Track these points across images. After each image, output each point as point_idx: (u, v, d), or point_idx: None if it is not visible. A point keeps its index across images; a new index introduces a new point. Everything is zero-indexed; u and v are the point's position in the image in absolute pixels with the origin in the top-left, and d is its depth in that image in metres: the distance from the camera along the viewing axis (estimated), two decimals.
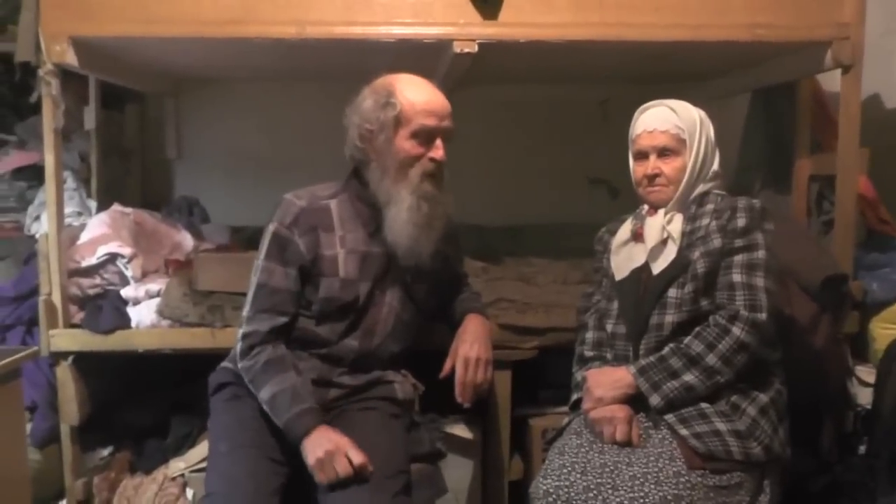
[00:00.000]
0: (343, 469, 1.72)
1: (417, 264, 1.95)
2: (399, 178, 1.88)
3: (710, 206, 1.95)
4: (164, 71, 3.05)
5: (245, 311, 1.91)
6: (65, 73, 2.34)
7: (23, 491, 2.09)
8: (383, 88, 1.90)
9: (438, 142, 1.88)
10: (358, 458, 1.73)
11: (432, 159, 1.88)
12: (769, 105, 2.98)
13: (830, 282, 2.24)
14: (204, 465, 2.21)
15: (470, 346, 1.97)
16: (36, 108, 2.46)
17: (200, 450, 2.39)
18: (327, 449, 1.74)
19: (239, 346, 1.89)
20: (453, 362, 1.97)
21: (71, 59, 2.27)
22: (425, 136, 1.87)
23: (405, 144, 1.87)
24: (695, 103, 2.00)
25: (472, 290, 2.22)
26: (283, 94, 3.33)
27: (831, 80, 2.78)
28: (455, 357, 1.98)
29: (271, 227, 1.92)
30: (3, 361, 1.91)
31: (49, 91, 2.30)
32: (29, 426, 2.41)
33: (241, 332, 1.91)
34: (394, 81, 1.91)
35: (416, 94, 1.88)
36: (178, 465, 2.40)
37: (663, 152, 1.95)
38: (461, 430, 2.37)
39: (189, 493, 2.35)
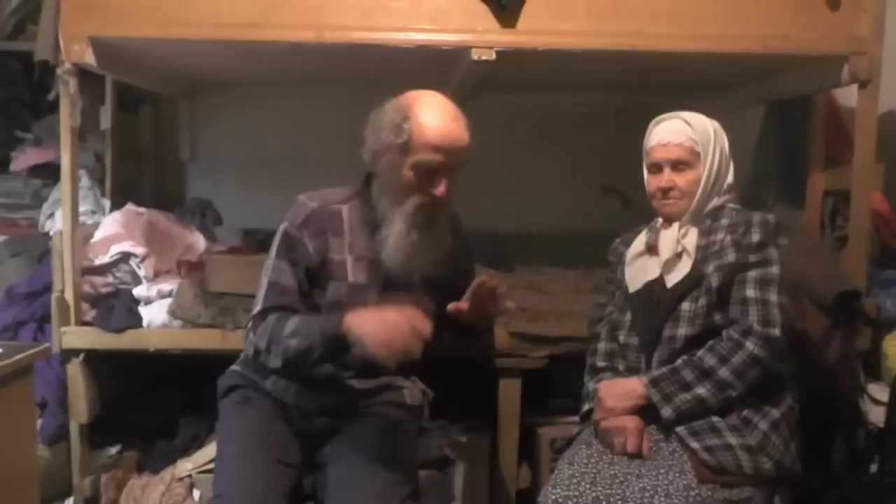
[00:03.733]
0: (396, 320, 1.60)
1: (426, 274, 1.92)
2: (395, 203, 1.84)
3: (724, 221, 1.94)
4: (180, 73, 3.07)
5: (257, 309, 1.87)
6: (82, 73, 2.35)
7: (32, 487, 2.09)
8: (401, 109, 1.81)
9: (443, 179, 1.80)
10: (410, 310, 1.62)
11: (431, 195, 1.81)
12: (784, 118, 2.97)
13: (844, 297, 2.23)
14: (211, 466, 2.21)
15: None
16: (53, 107, 2.47)
17: (208, 451, 2.39)
18: (377, 311, 1.64)
19: (251, 333, 1.84)
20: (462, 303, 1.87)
21: (89, 58, 2.28)
22: (427, 171, 1.79)
23: (406, 173, 1.80)
24: (709, 114, 2.00)
25: None
26: (298, 99, 3.34)
27: (846, 94, 2.78)
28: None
29: (282, 227, 1.91)
30: (16, 358, 1.92)
31: (67, 90, 2.31)
32: (38, 423, 2.41)
33: (250, 323, 1.87)
34: (413, 103, 1.81)
35: (431, 122, 1.78)
36: (185, 466, 2.40)
37: (677, 165, 1.94)
38: (470, 438, 2.37)
39: (196, 493, 2.35)
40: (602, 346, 2.05)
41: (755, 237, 1.87)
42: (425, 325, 1.62)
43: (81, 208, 2.79)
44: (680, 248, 1.92)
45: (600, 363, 2.02)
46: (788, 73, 2.63)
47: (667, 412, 1.80)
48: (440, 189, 1.81)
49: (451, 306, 1.84)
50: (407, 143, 1.78)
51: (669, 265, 1.92)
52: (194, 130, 3.43)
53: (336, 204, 1.94)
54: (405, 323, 1.60)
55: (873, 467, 2.29)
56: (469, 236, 2.12)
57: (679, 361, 1.84)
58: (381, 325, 1.61)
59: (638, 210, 2.59)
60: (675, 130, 1.95)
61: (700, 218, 1.96)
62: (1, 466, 1.90)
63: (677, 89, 2.92)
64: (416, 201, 1.81)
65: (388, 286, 1.91)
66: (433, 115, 1.80)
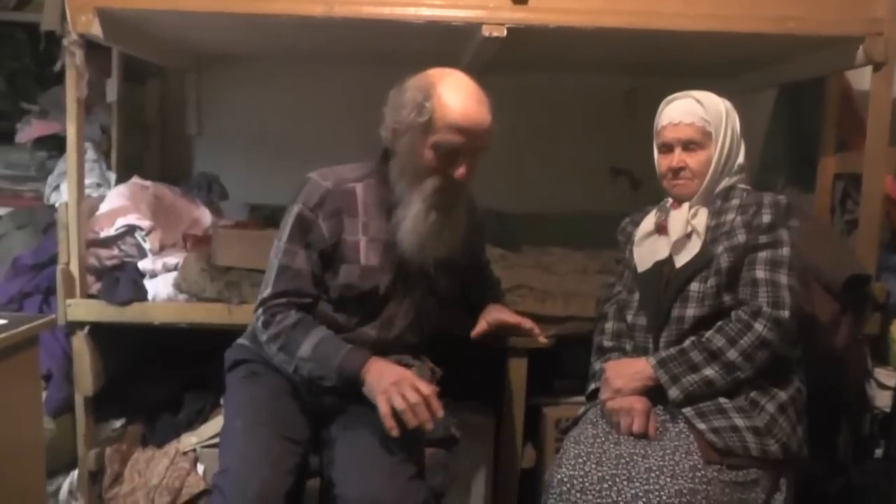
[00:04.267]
0: (413, 396, 1.65)
1: (440, 257, 1.89)
2: (414, 184, 1.79)
3: (735, 201, 1.93)
4: (187, 46, 3.04)
5: (267, 292, 1.85)
6: (88, 45, 2.33)
7: (37, 459, 2.09)
8: (423, 87, 1.76)
9: (464, 161, 1.76)
10: (425, 387, 1.69)
11: (451, 177, 1.78)
12: (795, 101, 2.95)
13: (853, 282, 2.22)
14: (216, 440, 2.22)
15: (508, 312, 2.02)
16: (59, 79, 2.45)
17: (212, 425, 2.40)
18: (395, 379, 1.69)
19: (261, 319, 1.83)
20: (487, 324, 2.00)
21: (96, 30, 2.26)
22: (448, 152, 1.75)
23: (426, 153, 1.76)
24: (720, 95, 1.98)
25: (492, 278, 2.21)
26: (307, 75, 3.31)
27: (860, 77, 2.75)
28: (493, 317, 2.01)
29: (295, 209, 1.86)
30: (21, 329, 1.90)
31: (73, 61, 2.29)
32: (43, 395, 2.41)
33: (259, 309, 1.85)
34: (437, 82, 1.76)
35: (453, 103, 1.73)
36: (189, 440, 2.41)
37: (688, 145, 1.93)
38: (475, 417, 2.37)
39: (200, 468, 2.36)
40: (610, 325, 2.04)
41: (766, 218, 1.86)
42: (440, 409, 1.69)
43: (87, 181, 2.77)
44: (690, 229, 1.91)
45: (608, 343, 2.02)
46: (802, 54, 2.60)
47: (674, 393, 1.79)
48: (460, 172, 1.77)
49: (474, 334, 1.99)
50: (428, 122, 1.73)
51: (679, 245, 1.91)
52: (201, 104, 3.40)
53: (350, 183, 1.89)
54: (422, 405, 1.66)
55: (878, 452, 2.29)
56: (481, 215, 2.11)
57: (687, 342, 1.83)
58: (399, 399, 1.66)
59: (645, 191, 2.57)
60: (686, 110, 1.93)
61: (710, 198, 1.94)
62: (7, 438, 1.89)
63: (688, 71, 2.88)
64: (434, 183, 1.77)
65: (401, 269, 1.89)
66: (457, 95, 1.75)
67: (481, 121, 1.76)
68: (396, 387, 1.67)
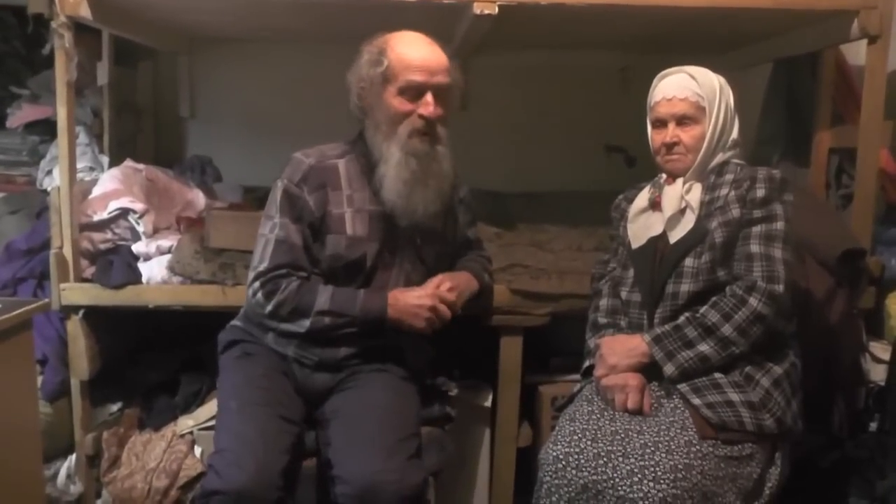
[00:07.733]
0: (446, 312, 1.92)
1: (425, 225, 1.93)
2: (389, 135, 1.88)
3: (729, 176, 1.92)
4: (178, 28, 3.02)
5: (264, 265, 1.87)
6: (78, 27, 2.31)
7: (34, 443, 2.09)
8: (377, 45, 1.90)
9: (428, 97, 1.86)
10: (451, 296, 1.93)
11: (421, 116, 1.87)
12: (791, 75, 2.93)
13: (848, 256, 2.22)
14: (212, 423, 2.21)
15: (447, 277, 2.00)
16: (48, 62, 2.44)
17: (209, 408, 2.40)
18: (429, 304, 1.89)
19: (261, 291, 1.86)
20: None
21: (85, 12, 2.25)
22: (413, 92, 1.86)
23: (393, 101, 1.87)
24: (715, 71, 1.97)
25: (480, 254, 2.21)
26: (299, 55, 3.29)
27: (855, 52, 2.73)
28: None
29: (281, 185, 1.92)
30: (15, 313, 1.90)
31: (62, 44, 2.28)
32: (39, 379, 2.41)
33: (256, 282, 1.87)
34: (388, 38, 1.90)
35: (406, 49, 1.87)
36: (186, 423, 2.41)
37: (682, 120, 1.92)
38: (471, 395, 2.37)
39: (197, 450, 2.36)
40: (604, 302, 2.03)
41: (760, 192, 1.86)
42: (455, 299, 1.94)
43: (79, 165, 2.77)
44: (683, 204, 1.90)
45: (602, 320, 2.01)
46: (797, 29, 2.58)
47: (669, 370, 1.79)
48: (429, 108, 1.85)
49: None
50: (387, 70, 1.85)
51: (673, 221, 1.91)
52: (194, 86, 3.38)
53: (332, 159, 1.96)
54: (441, 303, 1.90)
55: (872, 426, 2.29)
56: (469, 191, 2.14)
57: (682, 318, 1.83)
58: (437, 321, 1.90)
59: (640, 168, 2.56)
60: (680, 85, 1.93)
61: (704, 174, 1.94)
62: (2, 422, 1.89)
63: (683, 48, 2.87)
64: (408, 127, 1.87)
65: (388, 238, 1.93)
66: (408, 41, 1.89)
67: (437, 58, 1.89)
68: (434, 310, 1.89)
